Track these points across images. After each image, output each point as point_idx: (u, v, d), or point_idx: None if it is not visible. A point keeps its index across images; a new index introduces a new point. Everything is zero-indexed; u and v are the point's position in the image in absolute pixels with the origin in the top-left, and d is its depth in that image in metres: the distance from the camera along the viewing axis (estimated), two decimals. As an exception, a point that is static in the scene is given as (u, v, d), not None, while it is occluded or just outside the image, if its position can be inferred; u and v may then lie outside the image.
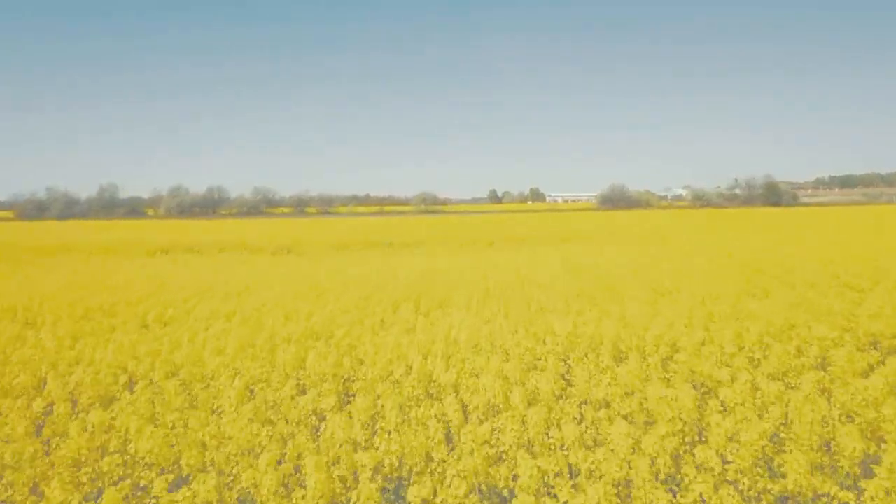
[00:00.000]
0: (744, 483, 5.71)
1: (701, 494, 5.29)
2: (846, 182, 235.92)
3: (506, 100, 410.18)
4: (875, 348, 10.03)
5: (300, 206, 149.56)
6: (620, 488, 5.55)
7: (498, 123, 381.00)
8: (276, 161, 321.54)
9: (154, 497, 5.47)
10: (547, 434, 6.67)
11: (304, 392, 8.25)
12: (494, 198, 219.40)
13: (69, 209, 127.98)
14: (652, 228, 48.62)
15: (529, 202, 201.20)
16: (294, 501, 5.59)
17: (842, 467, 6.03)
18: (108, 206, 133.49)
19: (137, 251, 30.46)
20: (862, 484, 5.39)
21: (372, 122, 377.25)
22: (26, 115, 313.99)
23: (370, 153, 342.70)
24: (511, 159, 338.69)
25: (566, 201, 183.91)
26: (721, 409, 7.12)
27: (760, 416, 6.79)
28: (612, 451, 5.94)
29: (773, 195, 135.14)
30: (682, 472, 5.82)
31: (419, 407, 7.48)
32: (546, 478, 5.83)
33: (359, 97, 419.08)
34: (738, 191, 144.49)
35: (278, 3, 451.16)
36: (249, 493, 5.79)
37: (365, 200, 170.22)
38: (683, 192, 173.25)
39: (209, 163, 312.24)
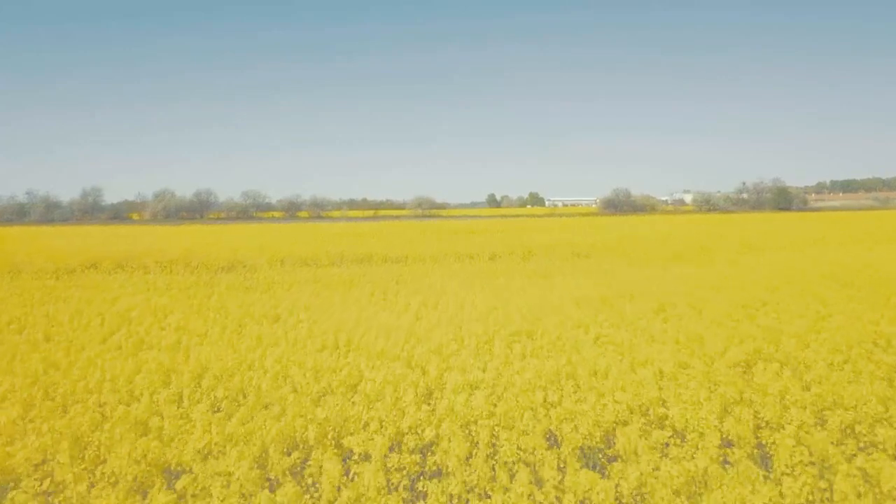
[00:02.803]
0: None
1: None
2: (848, 186, 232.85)
3: (505, 103, 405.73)
4: None
5: (292, 210, 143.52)
6: None
7: (497, 127, 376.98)
8: (273, 164, 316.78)
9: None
10: None
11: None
12: (493, 202, 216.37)
13: (50, 213, 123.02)
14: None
15: (529, 206, 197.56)
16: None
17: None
18: (91, 211, 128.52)
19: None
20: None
21: (370, 125, 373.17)
22: (7, 117, 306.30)
23: (368, 157, 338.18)
24: (510, 163, 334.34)
25: (566, 206, 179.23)
26: None
27: None
28: None
29: (783, 200, 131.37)
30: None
31: None
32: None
33: (357, 100, 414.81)
34: (745, 195, 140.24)
35: (272, 4, 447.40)
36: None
37: (360, 204, 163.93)
38: (686, 197, 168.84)
39: (204, 165, 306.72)
